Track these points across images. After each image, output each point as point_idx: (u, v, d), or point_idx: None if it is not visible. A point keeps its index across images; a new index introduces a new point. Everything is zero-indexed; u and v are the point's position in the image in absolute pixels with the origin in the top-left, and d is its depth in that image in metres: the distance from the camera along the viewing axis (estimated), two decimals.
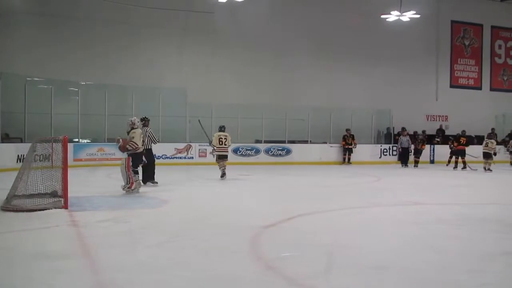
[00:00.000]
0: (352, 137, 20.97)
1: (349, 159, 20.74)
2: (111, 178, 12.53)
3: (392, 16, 20.53)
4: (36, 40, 18.91)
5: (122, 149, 10.10)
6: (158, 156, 17.88)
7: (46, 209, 7.46)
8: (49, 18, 19.20)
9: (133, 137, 10.08)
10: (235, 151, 19.45)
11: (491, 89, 28.32)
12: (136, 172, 10.12)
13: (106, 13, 19.94)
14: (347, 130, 21.03)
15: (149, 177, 11.71)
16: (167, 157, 17.99)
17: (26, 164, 8.24)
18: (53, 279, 4.25)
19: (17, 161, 14.29)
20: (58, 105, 17.94)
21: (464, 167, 18.13)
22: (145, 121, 12.01)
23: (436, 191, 11.65)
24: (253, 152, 20.07)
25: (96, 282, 4.29)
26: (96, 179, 13.12)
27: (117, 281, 4.26)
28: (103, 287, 4.19)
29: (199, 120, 14.44)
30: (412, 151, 20.37)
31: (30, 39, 18.85)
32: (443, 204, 9.39)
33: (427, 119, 25.69)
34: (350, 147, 20.81)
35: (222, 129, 13.56)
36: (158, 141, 12.45)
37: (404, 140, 20.15)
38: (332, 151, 21.12)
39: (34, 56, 18.61)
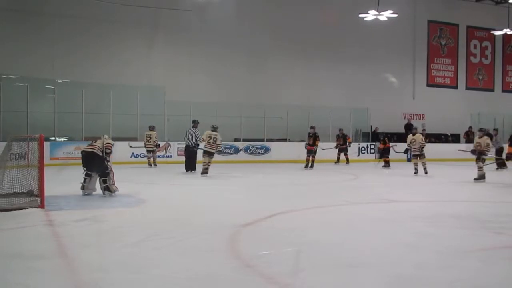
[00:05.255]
0: (314, 136, 17.67)
1: (312, 160, 17.53)
2: None
3: (370, 16, 20.71)
4: (11, 37, 18.63)
5: None
6: (136, 155, 17.97)
7: (21, 209, 7.37)
8: (24, 15, 18.92)
9: None
10: None
11: (467, 88, 28.83)
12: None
13: (84, 10, 19.77)
14: (312, 127, 18.16)
15: (190, 167, 14.67)
16: (145, 156, 17.84)
17: (1, 163, 8.11)
18: (29, 279, 4.21)
19: None
20: (34, 103, 17.72)
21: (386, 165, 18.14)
22: (195, 123, 15.04)
23: (411, 189, 11.81)
24: (232, 150, 20.07)
25: (73, 282, 4.26)
26: (74, 178, 12.95)
27: (94, 281, 4.23)
28: (80, 287, 4.17)
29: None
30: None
31: (5, 36, 18.56)
32: (418, 201, 9.51)
33: (404, 118, 25.97)
34: (310, 148, 17.56)
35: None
36: (202, 141, 14.09)
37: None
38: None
39: (9, 54, 18.34)
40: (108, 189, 9.23)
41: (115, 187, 9.34)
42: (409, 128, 24.38)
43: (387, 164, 18.22)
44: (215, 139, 13.84)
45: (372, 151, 22.00)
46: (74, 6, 19.55)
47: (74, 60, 19.52)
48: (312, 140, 17.49)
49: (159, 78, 20.73)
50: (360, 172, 16.26)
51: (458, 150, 16.71)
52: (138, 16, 20.70)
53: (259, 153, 20.47)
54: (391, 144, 19.32)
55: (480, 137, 13.15)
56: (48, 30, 19.32)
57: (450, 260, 5.01)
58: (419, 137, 15.05)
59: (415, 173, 14.82)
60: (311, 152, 17.44)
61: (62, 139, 18.36)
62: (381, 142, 19.02)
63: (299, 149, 20.58)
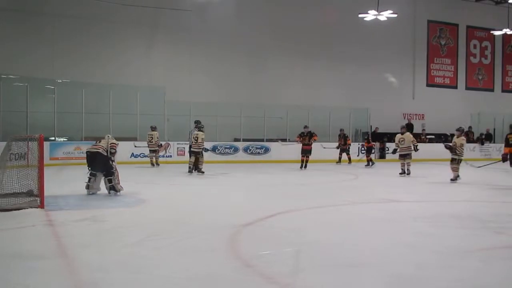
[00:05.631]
0: (310, 134, 17.05)
1: (306, 160, 16.94)
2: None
3: (370, 16, 20.73)
4: (11, 37, 18.64)
5: None
6: (136, 155, 17.99)
7: (21, 209, 7.37)
8: (24, 15, 18.95)
9: None
10: (214, 149, 19.44)
11: (467, 88, 28.85)
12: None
13: (84, 10, 19.80)
14: (305, 126, 17.48)
15: (196, 166, 14.42)
16: (145, 156, 17.87)
17: (1, 163, 8.10)
18: (29, 279, 4.21)
19: None
20: (34, 103, 17.73)
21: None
22: (197, 124, 14.80)
23: (411, 189, 11.78)
24: (231, 150, 20.07)
25: (73, 282, 4.25)
26: (73, 178, 12.96)
27: (94, 281, 4.22)
28: (79, 287, 4.16)
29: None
30: None
31: (5, 36, 18.57)
32: (418, 201, 9.51)
33: (404, 118, 25.97)
34: (306, 147, 16.97)
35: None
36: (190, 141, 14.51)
37: None
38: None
39: (9, 54, 18.34)
40: (113, 188, 9.39)
41: (120, 186, 9.50)
42: (409, 128, 24.44)
43: (369, 163, 18.63)
44: (196, 138, 14.19)
45: (373, 151, 21.96)
46: (74, 6, 19.57)
47: (74, 60, 19.53)
48: (308, 139, 16.90)
49: (159, 78, 20.74)
50: (360, 172, 16.27)
51: (424, 138, 16.34)
52: (138, 16, 20.72)
53: (259, 153, 20.47)
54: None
55: (457, 137, 12.83)
56: (48, 30, 19.33)
57: (450, 260, 5.01)
58: (408, 136, 14.59)
59: (400, 173, 14.52)
60: (307, 152, 16.92)
61: (62, 139, 18.38)
62: (366, 142, 19.34)
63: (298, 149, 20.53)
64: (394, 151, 14.89)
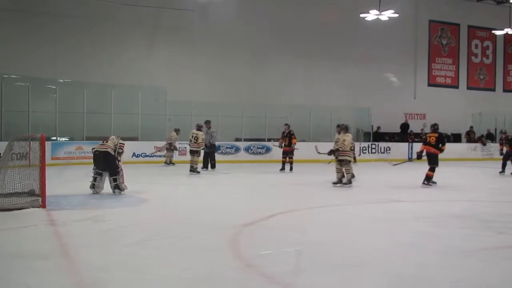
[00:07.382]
0: (289, 135, 15.52)
1: (290, 162, 15.60)
2: (89, 177, 12.39)
3: (371, 15, 20.72)
4: (12, 37, 18.65)
5: None
6: (137, 155, 17.98)
7: (23, 208, 7.39)
8: (26, 15, 18.95)
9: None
10: (215, 149, 19.41)
11: (468, 88, 28.81)
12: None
13: (86, 10, 19.81)
14: (286, 124, 15.90)
15: (210, 164, 15.66)
16: (147, 155, 17.88)
17: (3, 163, 8.14)
18: (30, 279, 4.22)
19: None
20: (35, 102, 17.73)
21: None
22: (207, 124, 15.60)
23: (412, 189, 11.73)
24: (233, 150, 20.05)
25: (74, 281, 4.27)
26: (75, 178, 12.98)
27: (95, 281, 4.24)
28: (81, 286, 4.18)
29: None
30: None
31: (6, 36, 18.59)
32: (419, 201, 9.52)
33: (406, 117, 25.93)
34: (286, 149, 15.52)
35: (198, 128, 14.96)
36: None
37: None
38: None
39: (10, 54, 18.36)
40: (118, 187, 9.55)
41: (125, 185, 9.65)
42: (406, 128, 24.42)
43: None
44: (196, 138, 14.39)
45: (374, 150, 21.97)
46: (75, 6, 19.57)
47: (75, 59, 19.53)
48: (288, 140, 15.39)
49: (161, 78, 20.73)
50: (360, 172, 16.19)
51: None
52: (140, 16, 20.72)
53: (260, 153, 20.45)
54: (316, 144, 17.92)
55: (344, 134, 11.46)
56: (49, 30, 19.33)
57: (451, 260, 5.01)
58: (348, 138, 11.58)
59: (335, 183, 11.55)
60: (288, 153, 15.49)
61: (64, 139, 18.38)
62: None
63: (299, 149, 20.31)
64: (331, 152, 11.89)
